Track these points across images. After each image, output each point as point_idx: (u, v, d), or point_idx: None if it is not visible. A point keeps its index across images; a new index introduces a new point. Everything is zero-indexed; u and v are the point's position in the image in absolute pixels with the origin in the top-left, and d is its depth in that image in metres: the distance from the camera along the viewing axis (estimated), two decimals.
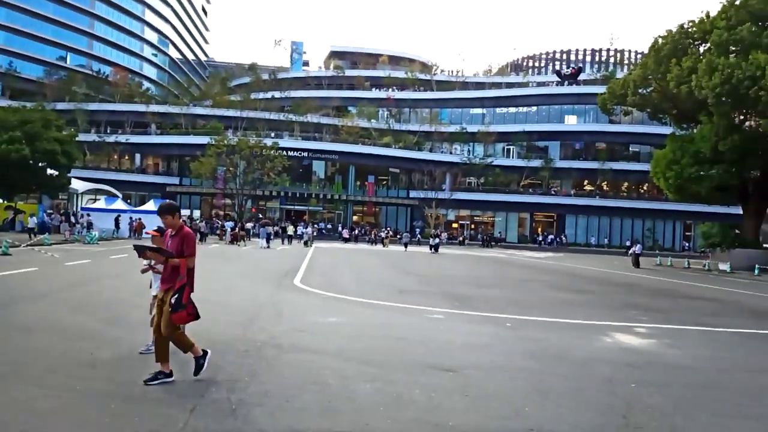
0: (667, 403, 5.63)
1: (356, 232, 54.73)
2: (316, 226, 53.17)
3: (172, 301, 5.51)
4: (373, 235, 51.61)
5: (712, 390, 6.32)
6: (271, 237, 38.19)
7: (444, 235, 54.20)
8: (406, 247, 41.58)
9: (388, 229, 54.12)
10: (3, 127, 34.31)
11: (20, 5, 66.88)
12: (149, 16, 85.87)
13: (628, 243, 57.65)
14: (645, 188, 65.16)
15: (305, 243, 40.34)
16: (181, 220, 5.99)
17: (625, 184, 67.42)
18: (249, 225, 45.79)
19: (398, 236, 50.99)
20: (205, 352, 5.75)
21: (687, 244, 62.08)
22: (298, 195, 61.08)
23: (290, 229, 43.89)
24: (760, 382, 6.81)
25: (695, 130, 35.63)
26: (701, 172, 33.29)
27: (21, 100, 50.83)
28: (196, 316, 5.72)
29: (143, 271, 6.60)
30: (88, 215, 37.38)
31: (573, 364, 7.17)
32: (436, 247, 38.39)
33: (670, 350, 8.54)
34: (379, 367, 6.54)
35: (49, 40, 70.74)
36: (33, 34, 68.64)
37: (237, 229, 39.14)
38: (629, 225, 63.47)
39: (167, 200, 6.27)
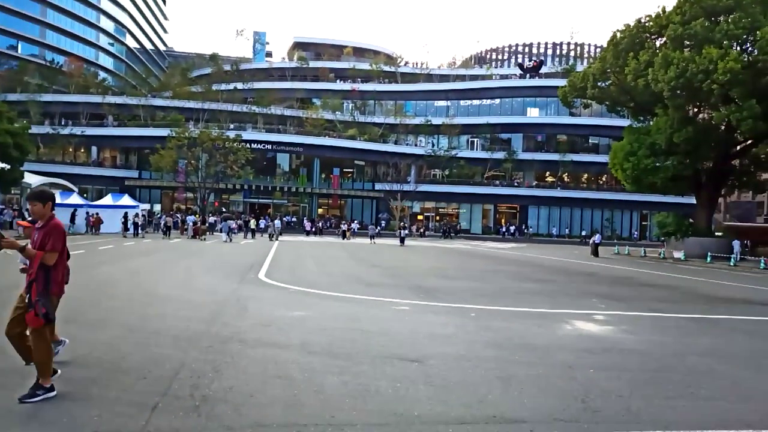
0: (623, 387, 5.83)
1: (321, 224, 54.36)
2: (284, 219, 52.44)
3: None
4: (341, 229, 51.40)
5: (665, 373, 6.57)
6: (234, 231, 37.73)
7: (412, 228, 54.56)
8: (372, 239, 41.51)
9: (350, 222, 53.93)
10: None
11: None
12: (105, 4, 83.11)
13: (584, 233, 59.40)
14: (604, 179, 66.88)
15: (270, 236, 39.60)
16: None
17: (585, 175, 69.03)
18: (211, 219, 44.71)
19: (359, 229, 51.26)
20: (52, 387, 4.85)
21: (636, 233, 64.08)
22: (262, 188, 60.37)
23: (252, 223, 42.99)
24: (710, 365, 7.11)
25: (651, 123, 36.73)
26: (657, 164, 34.38)
27: None
28: (48, 320, 4.88)
29: (22, 271, 5.42)
30: None
31: (535, 351, 7.34)
32: (403, 240, 38.50)
33: (627, 336, 8.83)
34: (344, 360, 6.55)
35: None
36: None
37: (199, 223, 38.41)
38: (589, 215, 65.08)
39: (40, 188, 5.32)
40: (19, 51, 70.29)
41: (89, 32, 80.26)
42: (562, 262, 27.74)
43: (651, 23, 34.62)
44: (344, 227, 47.73)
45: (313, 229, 51.00)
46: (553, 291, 14.94)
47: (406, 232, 40.61)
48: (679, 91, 30.01)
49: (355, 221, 55.22)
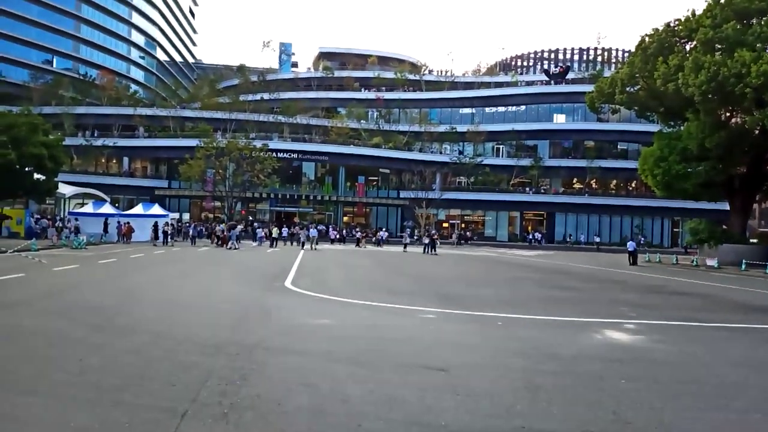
0: (655, 399, 5.69)
1: (344, 233, 54.43)
2: (321, 228, 52.22)
3: None
4: (374, 237, 50.73)
5: (698, 384, 6.39)
6: (240, 239, 37.55)
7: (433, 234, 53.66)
8: (405, 248, 40.66)
9: (375, 230, 53.61)
10: None
11: (4, 8, 66.18)
12: (136, 18, 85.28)
13: (598, 239, 58.52)
14: (633, 186, 65.67)
15: (302, 245, 38.37)
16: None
17: (614, 181, 67.91)
18: (219, 228, 43.50)
19: (375, 237, 50.99)
20: None
21: (667, 240, 62.68)
22: (288, 197, 60.92)
23: (275, 231, 42.29)
24: (744, 376, 6.89)
25: (682, 128, 35.98)
26: (688, 169, 33.63)
27: (6, 104, 50.25)
28: None
29: None
30: (76, 220, 37.07)
31: (563, 361, 7.22)
32: (432, 247, 37.49)
33: (658, 346, 8.62)
34: (370, 368, 6.55)
35: (34, 44, 70.04)
36: (18, 38, 67.94)
37: (226, 232, 38.87)
38: (618, 222, 63.93)
39: None
40: (54, 65, 72.51)
41: (121, 46, 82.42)
42: (590, 269, 27.28)
43: (680, 27, 34.01)
44: (359, 235, 47.58)
45: (338, 237, 51.19)
46: (581, 299, 14.69)
47: (426, 240, 39.78)
48: (710, 96, 29.37)
49: (383, 230, 55.10)
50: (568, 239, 61.48)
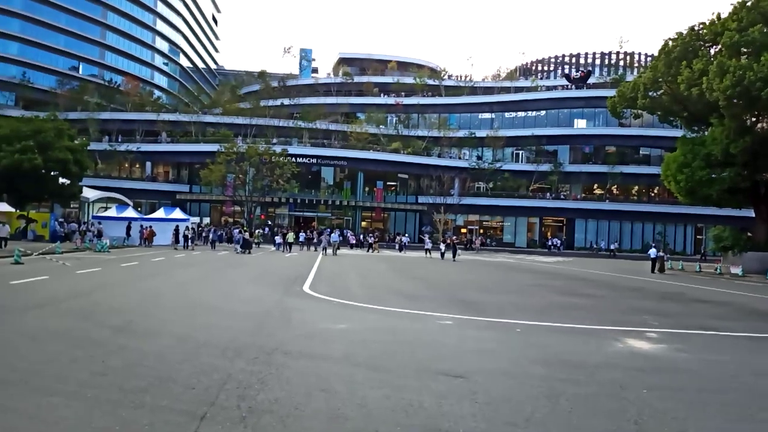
0: (678, 408, 5.59)
1: (362, 237, 54.35)
2: (345, 233, 51.95)
3: None
4: (398, 241, 50.00)
5: (722, 394, 6.26)
6: (250, 245, 36.89)
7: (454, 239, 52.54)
8: (428, 253, 40.42)
9: (377, 234, 53.18)
10: (16, 136, 34.75)
11: (33, 16, 67.82)
12: (160, 25, 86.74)
13: (613, 246, 57.66)
14: (656, 192, 64.67)
15: (324, 249, 37.26)
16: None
17: (636, 187, 66.94)
18: (236, 232, 43.05)
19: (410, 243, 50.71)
20: None
21: (690, 247, 61.42)
22: (307, 201, 61.23)
23: (290, 236, 40.60)
24: None
25: (706, 133, 35.36)
26: (713, 175, 33.01)
27: (34, 110, 51.51)
28: None
29: None
30: (99, 223, 37.72)
31: (583, 369, 7.13)
32: (453, 252, 36.95)
33: (680, 355, 8.47)
34: (387, 373, 6.54)
35: (61, 51, 71.60)
36: (46, 45, 69.53)
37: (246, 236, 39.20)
38: (640, 229, 62.99)
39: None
40: (80, 72, 74.00)
41: (145, 53, 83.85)
42: (610, 276, 26.91)
43: (705, 31, 33.49)
44: (371, 240, 47.30)
45: (356, 242, 51.21)
46: (601, 307, 14.50)
47: (444, 245, 39.33)
48: (735, 100, 28.82)
49: (405, 234, 54.93)
50: (594, 246, 60.18)
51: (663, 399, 5.91)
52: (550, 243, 60.41)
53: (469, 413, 5.19)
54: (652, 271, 31.83)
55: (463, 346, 8.43)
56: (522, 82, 78.85)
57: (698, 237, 63.11)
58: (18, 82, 65.60)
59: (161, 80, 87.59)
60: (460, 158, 66.68)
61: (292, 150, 57.59)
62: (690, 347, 9.13)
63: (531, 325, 10.73)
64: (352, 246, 49.75)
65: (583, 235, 63.54)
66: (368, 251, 43.95)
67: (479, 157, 66.03)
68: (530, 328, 10.33)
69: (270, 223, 59.07)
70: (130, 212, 42.13)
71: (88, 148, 43.03)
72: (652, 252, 33.84)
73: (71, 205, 47.63)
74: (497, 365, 7.19)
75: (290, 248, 38.99)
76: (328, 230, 50.54)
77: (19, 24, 67.53)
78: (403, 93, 71.67)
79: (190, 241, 37.44)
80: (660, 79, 34.57)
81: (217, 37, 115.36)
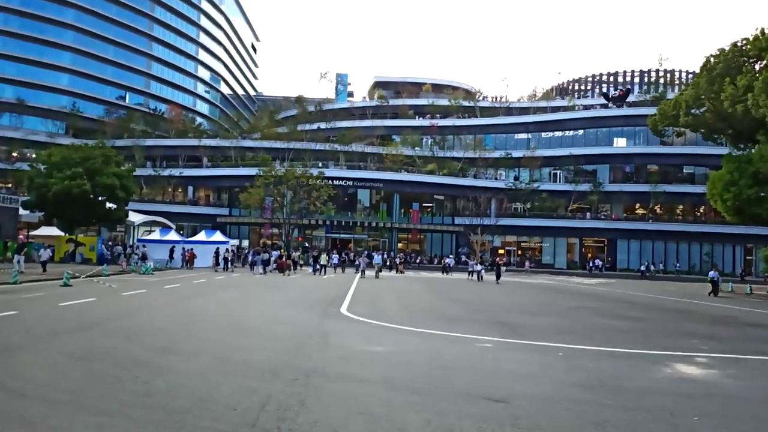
0: None
1: (397, 259, 53.63)
2: (393, 255, 51.50)
3: None
4: (444, 263, 48.72)
5: None
6: (265, 264, 37.32)
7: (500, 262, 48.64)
8: (477, 275, 37.07)
9: (400, 255, 52.52)
10: (66, 164, 36.30)
11: (83, 49, 71.33)
12: (202, 55, 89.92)
13: (643, 267, 55.45)
14: (701, 211, 62.60)
15: (362, 272, 36.03)
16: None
17: (680, 207, 64.97)
18: (274, 254, 43.19)
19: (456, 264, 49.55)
20: None
21: (740, 269, 58.85)
22: (343, 223, 61.66)
23: (323, 258, 39.14)
24: None
25: (753, 150, 34.21)
26: (761, 193, 31.80)
27: (83, 138, 53.76)
28: None
29: None
30: (144, 246, 38.83)
31: (629, 395, 6.89)
32: (498, 274, 35.22)
33: (733, 381, 8.09)
34: (427, 397, 6.46)
35: (109, 81, 74.90)
36: (95, 76, 72.90)
37: (284, 258, 39.61)
38: (686, 249, 60.88)
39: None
40: (127, 101, 77.14)
41: (188, 81, 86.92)
42: (655, 298, 26.04)
43: (749, 46, 32.60)
44: (397, 260, 46.53)
45: (388, 264, 50.82)
46: (646, 330, 14.02)
47: (479, 267, 38.21)
48: None
49: (450, 256, 54.30)
50: (650, 267, 57.36)
51: (716, 427, 5.65)
52: (591, 264, 58.94)
53: None
54: (714, 294, 29.61)
55: (504, 369, 8.27)
56: (558, 102, 78.11)
57: (748, 258, 60.59)
58: (68, 112, 68.83)
59: (203, 107, 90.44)
60: (496, 179, 66.18)
61: (328, 173, 58.32)
62: (743, 373, 8.72)
63: (574, 348, 10.46)
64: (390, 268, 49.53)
65: (626, 255, 61.78)
66: (395, 272, 43.44)
67: (516, 178, 65.39)
68: (573, 352, 10.06)
69: (307, 245, 59.66)
70: (172, 235, 43.23)
71: (134, 173, 44.53)
72: (712, 274, 31.99)
73: (117, 229, 49.27)
74: (539, 389, 7.01)
75: (324, 270, 38.29)
76: (366, 252, 50.55)
77: (70, 56, 71.11)
78: (438, 115, 71.91)
79: (229, 263, 38.10)
80: (702, 96, 33.75)
81: (255, 65, 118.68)
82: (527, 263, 55.37)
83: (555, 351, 10.04)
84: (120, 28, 75.04)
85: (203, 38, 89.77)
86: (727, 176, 33.39)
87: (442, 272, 44.81)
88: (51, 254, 28.24)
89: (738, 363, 9.64)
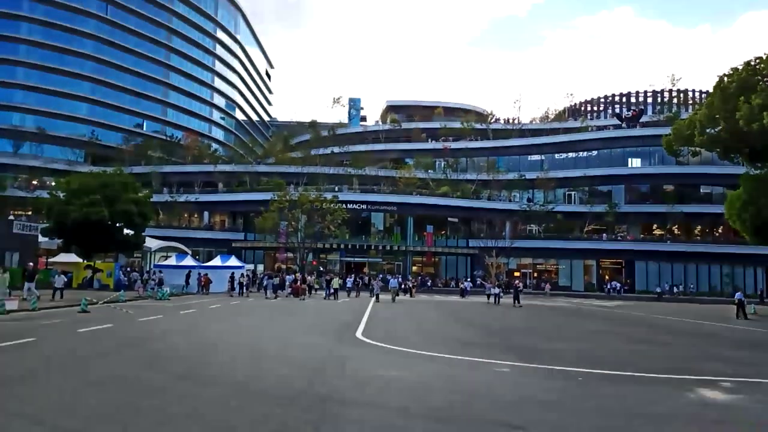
0: None
1: (410, 283, 52.87)
2: (412, 279, 51.10)
3: None
4: (461, 286, 47.54)
5: None
6: (276, 288, 37.48)
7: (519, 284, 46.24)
8: (497, 299, 36.08)
9: (410, 278, 51.76)
10: (84, 191, 36.90)
11: (102, 78, 73.13)
12: (218, 83, 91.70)
13: (658, 289, 54.65)
14: (720, 231, 61.68)
15: (377, 296, 35.43)
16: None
17: (698, 227, 64.12)
18: (288, 278, 43.09)
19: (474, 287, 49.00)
20: None
21: (762, 290, 57.48)
22: (357, 247, 61.67)
23: (335, 282, 38.48)
24: None
25: None
26: None
27: (102, 165, 54.78)
28: None
29: None
30: (160, 272, 39.11)
31: (653, 421, 6.73)
32: (516, 297, 34.11)
33: (762, 407, 7.88)
34: (445, 424, 6.37)
35: (127, 109, 76.59)
36: (113, 105, 74.58)
37: (299, 283, 39.60)
38: (705, 270, 59.80)
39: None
40: (144, 128, 78.66)
41: (204, 109, 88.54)
42: (675, 321, 25.55)
43: (762, 65, 32.51)
44: (409, 284, 45.22)
45: (403, 287, 50.33)
46: (669, 354, 13.74)
47: (498, 290, 37.17)
48: None
49: (468, 279, 53.90)
50: (673, 289, 56.67)
51: None
52: (609, 286, 58.14)
53: None
54: (743, 316, 28.40)
55: (523, 395, 8.14)
56: (571, 123, 78.16)
57: None
58: (87, 140, 70.31)
59: (218, 133, 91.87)
60: (510, 201, 65.99)
61: (342, 196, 58.58)
62: None
63: (593, 373, 10.27)
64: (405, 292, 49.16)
65: (645, 277, 60.83)
66: (407, 295, 42.64)
67: (530, 200, 65.16)
68: (593, 377, 9.88)
69: (322, 269, 59.67)
70: (188, 260, 43.51)
71: (151, 199, 45.09)
72: (739, 295, 31.08)
73: (135, 255, 49.70)
74: (559, 416, 6.88)
75: (336, 294, 37.78)
76: (381, 275, 50.21)
77: (90, 86, 72.95)
78: (450, 138, 72.28)
79: (245, 288, 38.20)
80: (717, 116, 33.58)
81: (270, 91, 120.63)
82: (546, 286, 54.67)
83: (575, 376, 9.87)
84: (138, 58, 76.99)
85: (219, 66, 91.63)
86: (745, 196, 33.04)
87: (460, 296, 44.29)
88: (66, 280, 28.50)
89: (765, 388, 9.39)
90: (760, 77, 32.92)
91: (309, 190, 57.83)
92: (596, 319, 25.80)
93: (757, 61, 32.88)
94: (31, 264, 28.00)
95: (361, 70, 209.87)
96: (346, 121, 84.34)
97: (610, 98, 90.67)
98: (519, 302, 33.73)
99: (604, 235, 62.69)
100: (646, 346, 15.32)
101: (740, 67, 33.29)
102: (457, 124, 73.55)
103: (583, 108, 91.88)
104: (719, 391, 8.86)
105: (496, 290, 37.29)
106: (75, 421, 6.09)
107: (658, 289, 54.97)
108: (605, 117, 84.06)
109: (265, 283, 40.28)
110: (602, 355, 12.99)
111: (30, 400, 7.03)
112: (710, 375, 10.41)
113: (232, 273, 39.22)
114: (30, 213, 54.30)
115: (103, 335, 13.97)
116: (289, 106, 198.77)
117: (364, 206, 62.40)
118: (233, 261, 43.27)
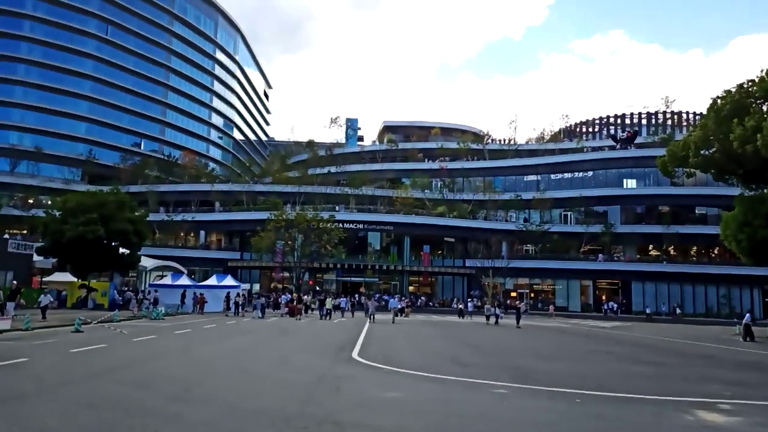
0: None
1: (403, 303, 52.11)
2: (406, 298, 50.68)
3: None
4: (458, 306, 47.08)
5: None
6: (264, 308, 36.83)
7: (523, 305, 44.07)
8: (496, 320, 36.01)
9: (404, 299, 51.38)
10: (80, 210, 36.81)
11: (100, 98, 73.51)
12: (216, 102, 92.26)
13: (648, 310, 54.89)
14: (716, 252, 61.79)
15: (371, 317, 34.24)
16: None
17: (694, 248, 64.25)
18: (283, 298, 42.59)
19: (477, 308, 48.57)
20: None
21: (759, 311, 57.48)
22: (354, 266, 61.48)
23: (329, 302, 37.98)
24: None
25: (765, 190, 34.05)
26: None
27: (99, 184, 54.76)
28: None
29: None
30: (155, 291, 38.85)
31: None
32: (518, 318, 34.29)
33: (761, 430, 7.82)
34: None
35: (125, 129, 76.85)
36: (111, 124, 74.84)
37: (294, 302, 39.38)
38: (702, 292, 59.76)
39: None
40: (142, 147, 78.80)
41: (202, 128, 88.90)
42: (673, 342, 25.45)
43: (755, 88, 32.85)
44: (401, 305, 43.86)
45: (401, 307, 49.78)
46: (667, 375, 13.67)
47: (497, 311, 37.06)
48: None
49: (470, 300, 53.61)
50: (679, 310, 56.48)
51: None
52: (606, 307, 57.98)
53: None
54: (750, 338, 28.12)
55: (520, 417, 8.06)
56: (567, 144, 78.70)
57: (767, 300, 59.36)
58: (85, 159, 70.30)
59: (215, 153, 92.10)
60: (506, 221, 66.10)
61: (339, 216, 58.59)
62: None
63: (591, 395, 10.19)
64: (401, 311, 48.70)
65: (641, 298, 60.70)
66: (402, 316, 41.85)
67: (526, 220, 65.29)
68: (590, 398, 9.80)
69: (318, 288, 59.40)
70: (184, 280, 43.25)
71: (147, 218, 44.97)
72: (748, 317, 30.74)
73: (130, 274, 49.40)
74: None
75: (330, 315, 37.20)
76: (376, 295, 49.84)
77: (88, 105, 73.28)
78: (447, 158, 72.63)
79: (240, 307, 37.95)
80: (711, 137, 33.83)
81: (267, 111, 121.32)
82: (551, 307, 54.53)
83: (573, 397, 9.80)
84: (137, 77, 77.54)
85: (217, 86, 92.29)
86: (740, 217, 33.12)
87: (459, 316, 43.95)
88: (52, 300, 28.20)
89: (765, 410, 9.33)
90: (753, 100, 33.26)
91: (306, 210, 57.84)
92: (593, 339, 25.68)
93: (750, 83, 33.25)
94: (15, 282, 27.60)
95: (358, 91, 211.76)
96: (343, 141, 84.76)
97: (605, 119, 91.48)
98: (519, 324, 33.74)
99: (601, 255, 62.70)
100: (644, 367, 15.21)
101: (733, 90, 33.65)
102: (453, 145, 73.99)
103: (578, 129, 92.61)
104: (717, 414, 8.78)
105: (496, 311, 37.15)
106: None
107: (648, 310, 55.03)
108: (600, 138, 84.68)
109: (254, 302, 40.06)
110: (599, 376, 12.90)
111: (22, 421, 6.93)
112: (709, 397, 10.32)
113: (228, 292, 39.00)
114: (25, 232, 54.11)
115: (97, 355, 13.83)
116: (286, 126, 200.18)
117: (361, 226, 62.38)
118: (229, 280, 43.05)
